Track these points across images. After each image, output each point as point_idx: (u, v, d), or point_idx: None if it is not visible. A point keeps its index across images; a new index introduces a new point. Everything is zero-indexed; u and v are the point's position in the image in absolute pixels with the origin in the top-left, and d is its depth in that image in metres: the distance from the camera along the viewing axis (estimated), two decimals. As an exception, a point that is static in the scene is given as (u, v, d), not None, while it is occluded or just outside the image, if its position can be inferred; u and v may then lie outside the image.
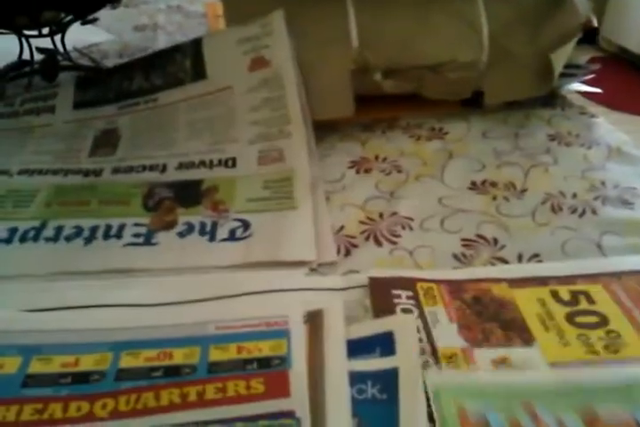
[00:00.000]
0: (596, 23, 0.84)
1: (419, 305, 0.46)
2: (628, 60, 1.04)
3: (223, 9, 0.79)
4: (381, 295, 0.46)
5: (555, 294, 0.46)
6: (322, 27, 0.75)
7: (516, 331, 0.43)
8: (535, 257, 0.53)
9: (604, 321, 0.44)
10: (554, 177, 0.65)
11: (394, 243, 0.56)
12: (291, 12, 0.74)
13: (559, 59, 0.76)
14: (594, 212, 0.59)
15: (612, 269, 0.49)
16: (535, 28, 0.78)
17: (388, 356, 0.41)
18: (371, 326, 0.44)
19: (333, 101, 0.73)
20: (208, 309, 0.47)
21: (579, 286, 0.47)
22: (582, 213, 0.59)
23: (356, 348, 0.42)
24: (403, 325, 0.43)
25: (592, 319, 0.44)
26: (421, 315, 0.45)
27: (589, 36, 1.05)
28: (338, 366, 0.40)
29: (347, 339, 0.43)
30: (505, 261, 0.52)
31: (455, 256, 0.53)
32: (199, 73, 0.75)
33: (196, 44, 0.78)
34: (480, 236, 0.56)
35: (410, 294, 0.46)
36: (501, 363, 0.40)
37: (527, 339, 0.43)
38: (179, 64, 0.77)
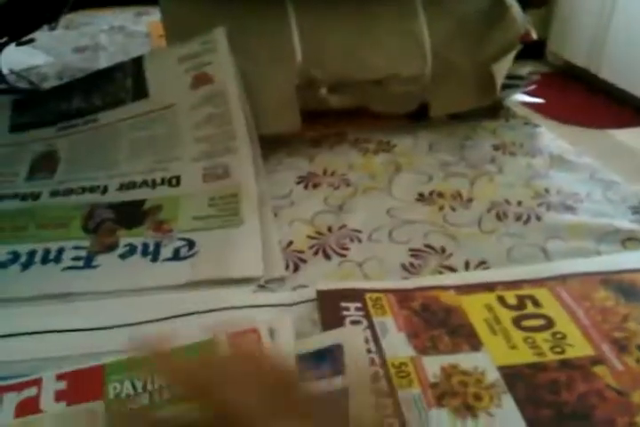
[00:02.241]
0: (535, 36, 0.85)
1: (367, 316, 0.45)
2: (574, 75, 1.07)
3: (164, 28, 0.78)
4: (330, 308, 0.45)
5: (501, 300, 0.46)
6: (265, 42, 0.74)
7: (464, 337, 0.43)
8: (482, 264, 0.53)
9: (549, 323, 0.44)
10: (499, 186, 0.66)
11: (343, 256, 0.55)
12: (233, 28, 0.73)
13: (500, 70, 0.78)
14: (538, 218, 0.59)
15: (557, 272, 0.50)
16: (476, 40, 0.79)
17: (338, 375, 0.40)
18: (319, 340, 0.43)
19: (279, 116, 0.73)
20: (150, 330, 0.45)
21: (524, 291, 0.48)
22: (527, 220, 0.59)
23: (305, 363, 0.41)
24: (351, 337, 0.42)
25: (538, 322, 0.44)
26: (370, 326, 0.44)
27: (537, 51, 1.08)
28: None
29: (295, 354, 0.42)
30: (452, 269, 0.52)
31: (403, 266, 0.53)
32: (141, 92, 0.74)
33: (138, 62, 0.76)
34: (428, 245, 0.56)
35: (358, 305, 0.46)
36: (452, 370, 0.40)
37: (475, 344, 0.42)
38: (119, 83, 0.76)
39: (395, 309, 0.46)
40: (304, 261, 0.54)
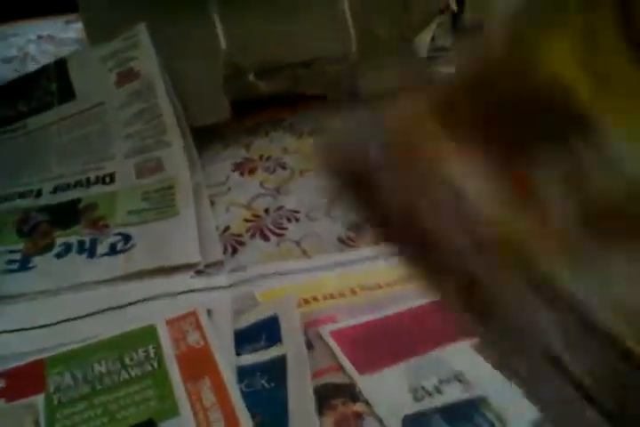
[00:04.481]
0: (454, 7, 0.87)
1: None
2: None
3: (84, 27, 0.78)
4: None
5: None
6: (188, 34, 0.74)
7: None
8: (416, 229, 0.54)
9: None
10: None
11: (280, 235, 0.55)
12: (155, 22, 0.73)
13: (422, 42, 0.79)
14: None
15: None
16: (397, 13, 0.80)
17: (275, 344, 0.41)
18: (255, 313, 0.43)
19: (208, 107, 0.73)
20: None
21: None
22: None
23: (243, 337, 0.42)
24: (285, 307, 0.42)
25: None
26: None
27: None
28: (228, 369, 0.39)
29: (234, 329, 0.42)
30: (388, 238, 0.53)
31: (340, 240, 0.54)
32: (67, 94, 0.73)
33: (61, 65, 0.76)
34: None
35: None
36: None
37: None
38: (44, 88, 0.75)
39: None
40: (242, 243, 0.55)
